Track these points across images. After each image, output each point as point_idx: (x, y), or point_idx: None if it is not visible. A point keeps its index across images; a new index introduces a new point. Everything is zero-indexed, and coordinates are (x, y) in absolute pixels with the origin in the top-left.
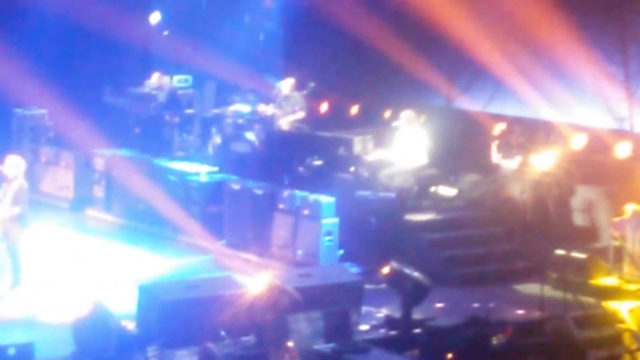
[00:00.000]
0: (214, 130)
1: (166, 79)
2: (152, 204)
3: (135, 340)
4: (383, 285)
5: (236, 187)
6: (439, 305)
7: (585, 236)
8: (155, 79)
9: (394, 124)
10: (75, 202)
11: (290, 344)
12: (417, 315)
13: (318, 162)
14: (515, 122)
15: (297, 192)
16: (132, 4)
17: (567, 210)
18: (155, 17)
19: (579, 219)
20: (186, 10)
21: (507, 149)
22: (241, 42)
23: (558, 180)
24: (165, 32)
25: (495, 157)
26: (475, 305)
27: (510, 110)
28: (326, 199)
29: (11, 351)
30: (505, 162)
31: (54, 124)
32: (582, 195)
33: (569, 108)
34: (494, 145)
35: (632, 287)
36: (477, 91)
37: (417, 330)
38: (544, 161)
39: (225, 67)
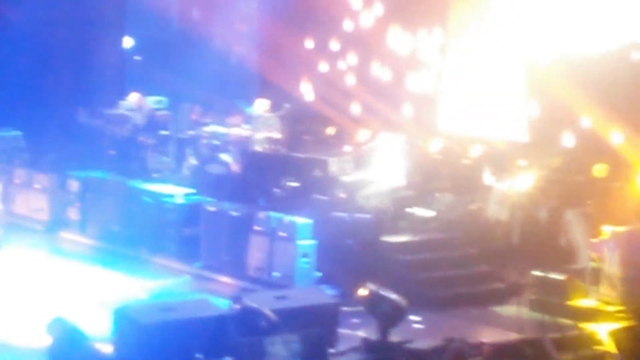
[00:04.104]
0: (189, 151)
1: (145, 100)
2: (127, 226)
3: None
4: (360, 308)
5: (212, 208)
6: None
7: (563, 257)
8: (134, 99)
9: (371, 145)
10: (49, 225)
11: None
12: (394, 337)
13: (294, 184)
14: (490, 144)
15: (273, 214)
16: (105, 26)
17: (545, 231)
18: (127, 42)
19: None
20: (157, 35)
21: (500, 171)
22: (213, 66)
23: (536, 202)
24: (137, 57)
25: (489, 179)
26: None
27: (486, 132)
28: (302, 221)
29: None
30: (498, 185)
31: (28, 145)
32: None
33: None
34: (487, 168)
35: (610, 308)
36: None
37: (394, 353)
38: (523, 183)
39: (197, 91)
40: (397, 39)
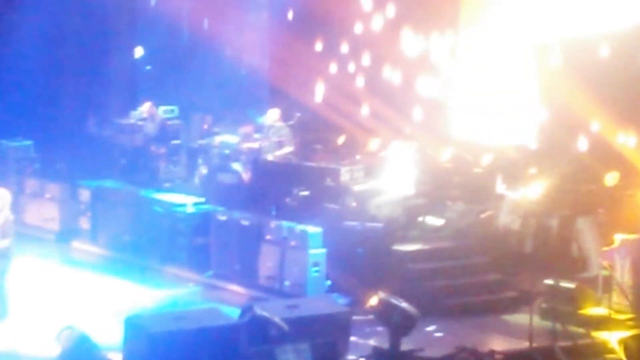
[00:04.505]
0: (200, 161)
1: (156, 109)
2: (138, 235)
3: None
4: (371, 316)
5: (223, 218)
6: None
7: (575, 265)
8: (146, 108)
9: (383, 154)
10: (60, 234)
11: None
12: (405, 346)
13: (305, 193)
14: (501, 153)
15: (284, 223)
16: (116, 36)
17: (556, 240)
18: (138, 52)
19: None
20: (168, 45)
21: (512, 180)
22: (224, 76)
23: (547, 210)
24: (148, 67)
25: (500, 187)
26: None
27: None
28: (313, 230)
29: None
30: (509, 193)
31: (39, 155)
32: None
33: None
34: (498, 176)
35: (621, 317)
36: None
37: None
38: (534, 191)
39: (208, 101)
40: (409, 42)
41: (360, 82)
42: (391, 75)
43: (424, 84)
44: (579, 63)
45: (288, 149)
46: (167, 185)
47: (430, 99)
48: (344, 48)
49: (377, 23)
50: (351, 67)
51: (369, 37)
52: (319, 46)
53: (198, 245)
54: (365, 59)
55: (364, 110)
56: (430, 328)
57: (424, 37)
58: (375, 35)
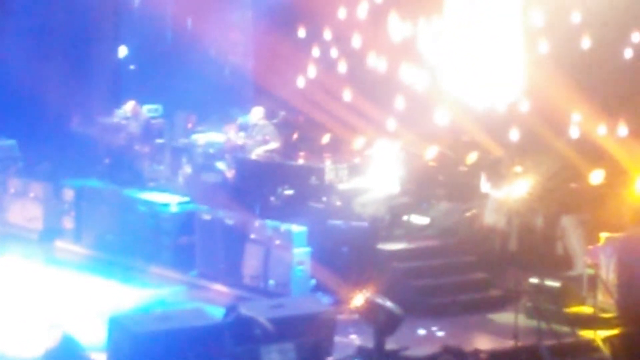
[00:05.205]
0: (184, 160)
1: (140, 108)
2: (122, 235)
3: None
4: (356, 316)
5: (207, 217)
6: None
7: (560, 264)
8: (130, 107)
9: (367, 152)
10: (44, 234)
11: None
12: (390, 345)
13: (289, 192)
14: (484, 150)
15: (269, 222)
16: (100, 35)
17: (541, 238)
18: (122, 51)
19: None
20: (152, 45)
21: (496, 178)
22: (208, 75)
23: (532, 209)
24: (132, 66)
25: (484, 186)
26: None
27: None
28: (298, 229)
29: None
30: (494, 192)
31: (22, 154)
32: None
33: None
34: (483, 175)
35: (606, 315)
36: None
37: None
38: (519, 190)
39: (192, 99)
40: (395, 28)
41: (344, 75)
42: (376, 65)
43: (409, 74)
44: (565, 53)
45: (273, 145)
46: (151, 184)
47: (415, 89)
48: (327, 35)
49: (363, 10)
50: (335, 59)
51: (354, 25)
52: (302, 42)
53: (182, 245)
54: (354, 44)
55: (349, 106)
56: (422, 332)
57: (410, 23)
58: (360, 23)
